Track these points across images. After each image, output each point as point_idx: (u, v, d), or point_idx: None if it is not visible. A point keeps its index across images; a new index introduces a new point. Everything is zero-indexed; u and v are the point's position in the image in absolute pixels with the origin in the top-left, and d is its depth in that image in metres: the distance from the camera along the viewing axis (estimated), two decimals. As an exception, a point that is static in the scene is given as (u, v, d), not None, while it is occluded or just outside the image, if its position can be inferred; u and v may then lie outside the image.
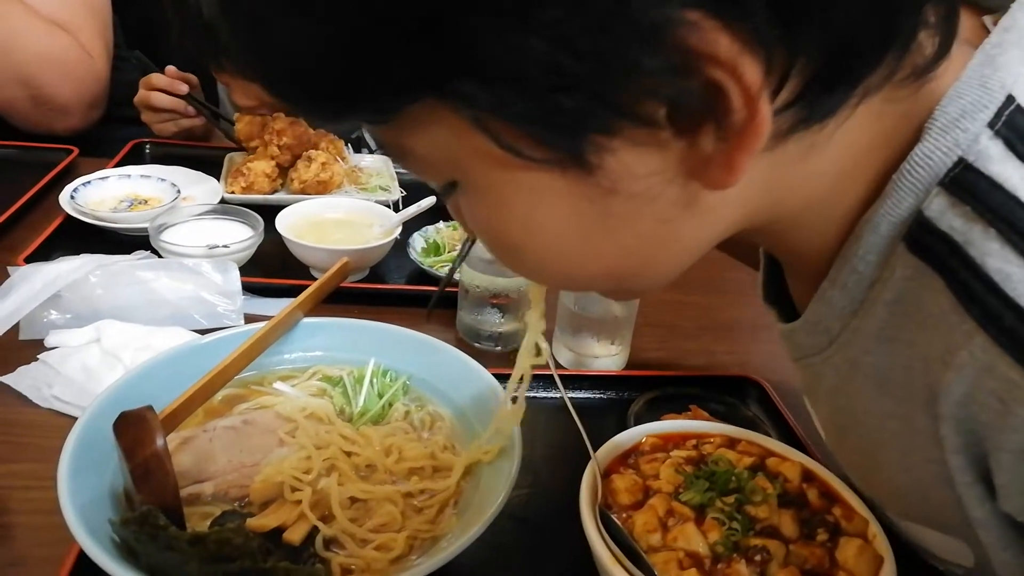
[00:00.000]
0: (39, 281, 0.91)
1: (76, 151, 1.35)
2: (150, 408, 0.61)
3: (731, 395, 0.93)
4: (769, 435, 0.74)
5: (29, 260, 1.01)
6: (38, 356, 0.87)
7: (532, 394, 0.91)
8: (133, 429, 0.59)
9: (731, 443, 0.72)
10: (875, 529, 0.63)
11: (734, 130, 0.34)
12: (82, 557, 0.57)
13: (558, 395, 0.91)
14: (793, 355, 0.53)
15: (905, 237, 0.41)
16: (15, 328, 0.90)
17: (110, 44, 1.49)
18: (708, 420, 0.80)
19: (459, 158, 0.38)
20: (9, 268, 0.94)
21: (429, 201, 1.17)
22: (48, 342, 0.89)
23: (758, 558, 0.58)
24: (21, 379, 0.85)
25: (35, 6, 1.36)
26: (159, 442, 0.57)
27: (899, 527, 0.59)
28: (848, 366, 0.47)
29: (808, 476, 0.68)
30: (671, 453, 0.69)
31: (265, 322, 0.76)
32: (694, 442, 0.71)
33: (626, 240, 0.40)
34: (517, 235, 0.41)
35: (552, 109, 0.33)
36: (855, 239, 0.43)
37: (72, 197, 1.15)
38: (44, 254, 1.03)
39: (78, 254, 0.98)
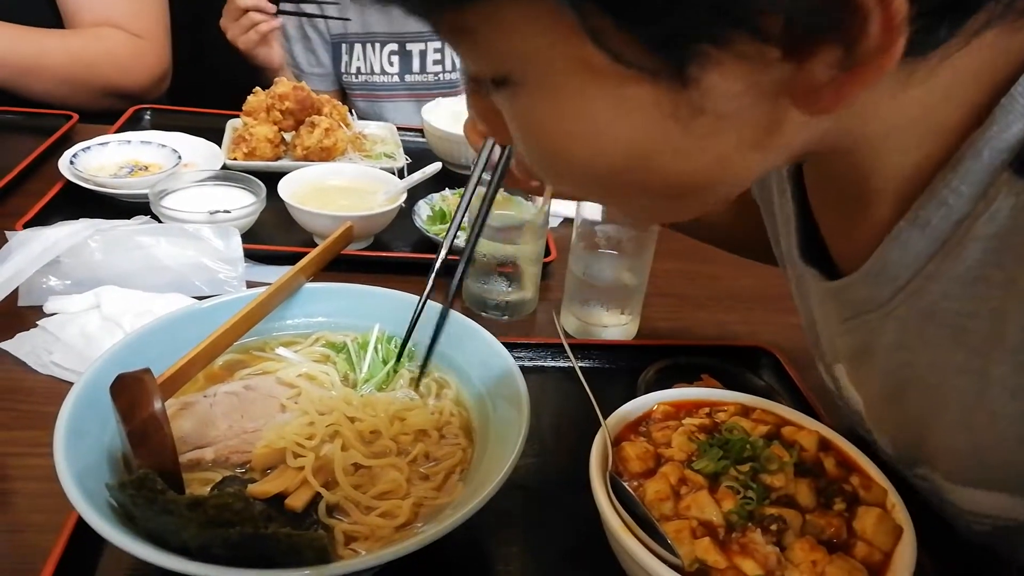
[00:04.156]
0: (38, 246, 0.89)
1: (76, 117, 1.33)
2: (148, 371, 0.59)
3: (743, 365, 0.91)
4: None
5: (28, 226, 0.99)
6: (37, 322, 0.86)
7: (540, 363, 0.90)
8: (130, 392, 0.57)
9: (745, 411, 0.70)
10: (894, 499, 0.61)
11: (858, 59, 0.32)
12: (81, 523, 0.55)
13: (566, 364, 0.89)
14: (844, 315, 0.50)
15: (1012, 163, 0.38)
16: (14, 294, 0.89)
17: (165, 19, 1.54)
18: (721, 389, 0.78)
19: (538, 54, 0.36)
20: (7, 234, 0.92)
21: (435, 167, 1.14)
22: (47, 308, 0.87)
23: (774, 527, 0.56)
24: (20, 345, 0.84)
25: (82, 8, 1.44)
26: (156, 405, 0.56)
27: (934, 489, 0.56)
28: (917, 316, 0.44)
29: (825, 445, 0.66)
30: (683, 421, 0.67)
31: (264, 287, 0.74)
32: (707, 410, 0.69)
33: (697, 161, 0.39)
34: (576, 144, 0.39)
35: (671, 13, 0.31)
36: (951, 168, 0.40)
37: (72, 163, 1.13)
38: (43, 220, 1.01)
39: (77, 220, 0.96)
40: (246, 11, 1.42)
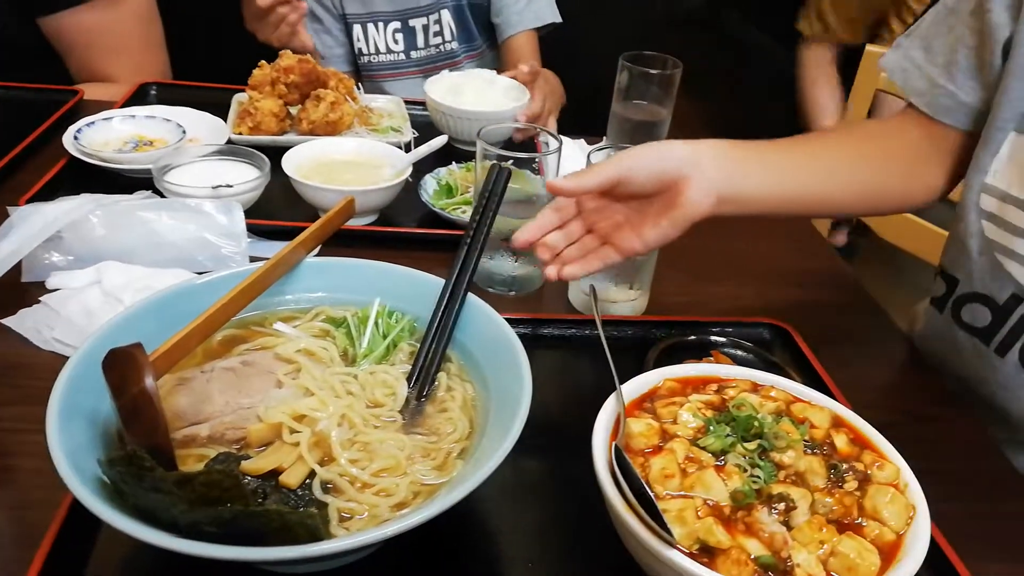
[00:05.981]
0: (38, 221, 0.89)
1: (81, 92, 1.32)
2: (139, 346, 0.58)
3: (755, 342, 0.88)
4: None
5: (31, 202, 0.98)
6: (39, 298, 0.85)
7: (545, 338, 0.88)
8: (121, 367, 0.56)
9: (755, 389, 0.67)
10: (907, 478, 0.59)
11: None
12: (78, 500, 0.55)
13: (572, 339, 0.88)
14: None
15: None
16: (17, 270, 0.88)
17: (143, 55, 1.55)
18: (730, 366, 0.75)
19: None
20: (9, 209, 0.92)
21: (441, 140, 1.12)
22: (49, 284, 0.87)
23: (781, 506, 0.55)
24: (22, 321, 0.84)
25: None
26: (147, 381, 0.54)
27: None
28: None
29: (837, 423, 0.64)
30: (690, 397, 0.65)
31: (264, 261, 0.73)
32: (715, 387, 0.67)
33: None
34: None
35: None
36: None
37: (76, 138, 1.12)
38: (47, 196, 1.00)
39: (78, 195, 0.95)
40: (271, 8, 1.35)
